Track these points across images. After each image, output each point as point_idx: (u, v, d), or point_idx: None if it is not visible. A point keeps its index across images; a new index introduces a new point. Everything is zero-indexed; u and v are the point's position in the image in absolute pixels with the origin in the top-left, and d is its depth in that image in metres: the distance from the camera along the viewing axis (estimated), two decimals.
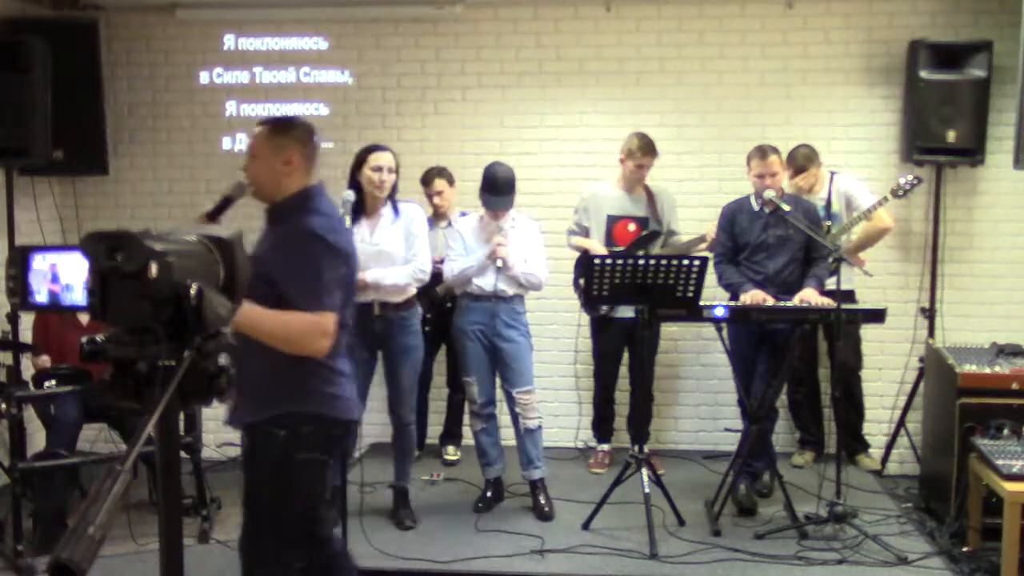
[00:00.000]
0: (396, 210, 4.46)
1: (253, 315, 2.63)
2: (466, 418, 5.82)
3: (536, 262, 4.74)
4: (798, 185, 5.25)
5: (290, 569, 2.92)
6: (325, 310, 2.77)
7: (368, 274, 4.30)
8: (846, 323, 4.84)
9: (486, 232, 4.73)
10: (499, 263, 4.61)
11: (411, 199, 4.72)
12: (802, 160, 5.26)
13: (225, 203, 3.00)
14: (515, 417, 4.76)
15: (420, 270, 4.50)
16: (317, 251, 2.78)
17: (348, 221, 4.20)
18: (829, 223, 5.15)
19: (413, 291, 4.55)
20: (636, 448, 4.65)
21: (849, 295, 5.17)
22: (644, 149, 5.20)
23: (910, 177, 4.97)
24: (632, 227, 5.31)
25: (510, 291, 4.70)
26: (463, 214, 5.53)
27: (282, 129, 2.92)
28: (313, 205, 2.90)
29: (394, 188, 4.44)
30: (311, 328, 2.75)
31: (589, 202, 5.38)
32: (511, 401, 4.76)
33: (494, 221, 4.72)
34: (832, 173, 5.38)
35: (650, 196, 5.34)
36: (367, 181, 4.36)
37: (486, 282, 4.67)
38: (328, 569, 3.08)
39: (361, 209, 4.40)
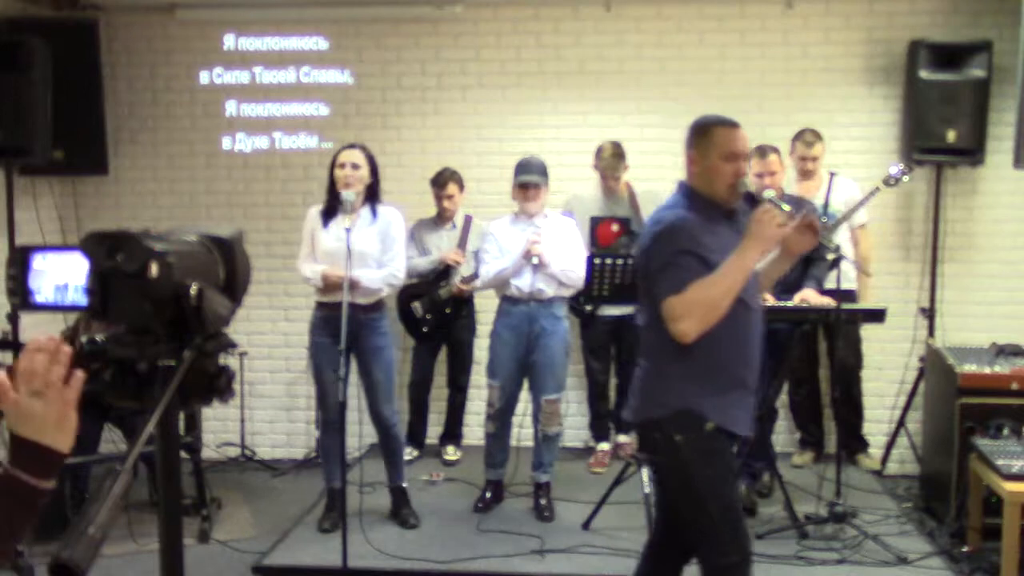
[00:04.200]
0: (374, 212, 4.45)
1: None
2: (466, 418, 5.83)
3: (574, 258, 4.61)
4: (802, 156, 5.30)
5: None
6: None
7: (355, 272, 4.26)
8: (846, 323, 4.87)
9: (519, 230, 4.66)
10: (535, 260, 4.53)
11: (392, 202, 4.67)
12: (811, 137, 5.30)
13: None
14: (536, 421, 4.73)
15: (394, 275, 4.51)
16: None
17: (348, 221, 4.21)
18: (825, 219, 5.16)
19: (384, 294, 4.54)
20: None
21: (849, 295, 5.17)
22: (610, 160, 5.26)
23: (901, 166, 4.98)
24: (615, 227, 5.33)
25: (549, 291, 4.58)
26: (467, 216, 5.54)
27: None
28: None
29: (375, 190, 4.44)
30: None
31: (572, 204, 5.41)
32: (537, 406, 4.72)
33: (526, 215, 4.67)
34: (832, 174, 5.37)
35: (632, 196, 5.34)
36: (337, 179, 4.37)
37: (523, 283, 4.58)
38: None
39: (334, 209, 4.41)
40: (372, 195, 4.44)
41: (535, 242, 4.51)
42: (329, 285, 4.33)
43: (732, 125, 2.90)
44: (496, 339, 4.73)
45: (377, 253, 4.43)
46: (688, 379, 2.79)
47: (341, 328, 4.02)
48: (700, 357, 2.75)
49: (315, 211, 4.53)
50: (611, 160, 5.26)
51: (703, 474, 2.80)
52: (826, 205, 5.27)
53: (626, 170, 5.35)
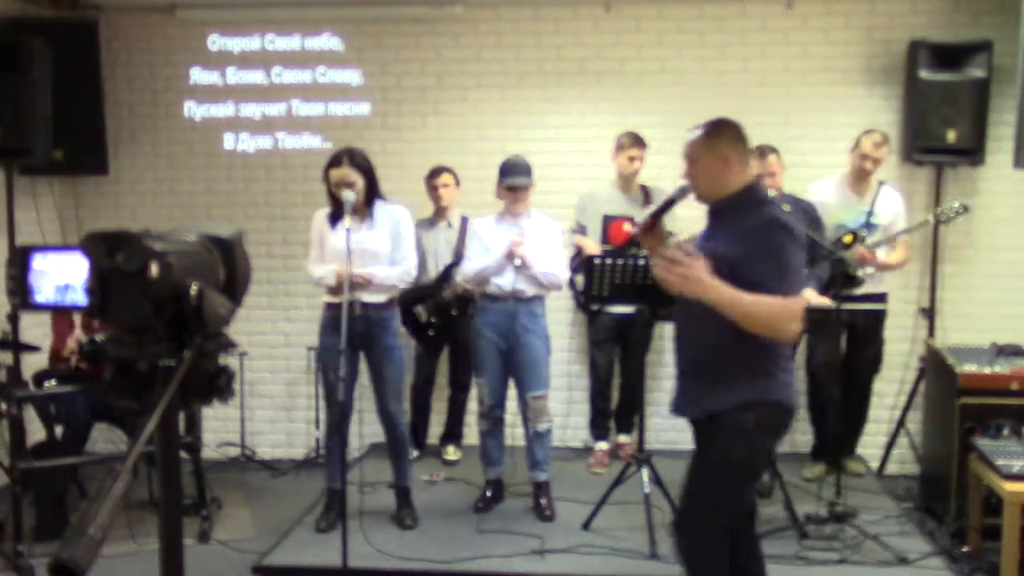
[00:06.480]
0: (375, 211, 4.44)
1: (733, 295, 2.77)
2: (467, 418, 5.83)
3: (556, 261, 4.66)
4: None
5: (724, 549, 3.05)
6: (793, 294, 2.88)
7: (367, 269, 4.31)
8: (845, 323, 4.90)
9: (504, 230, 4.67)
10: (517, 262, 4.55)
11: (396, 200, 4.66)
12: (878, 138, 5.12)
13: (668, 204, 3.08)
14: (526, 419, 4.73)
15: (408, 272, 4.51)
16: (782, 239, 2.89)
17: (348, 221, 4.21)
18: (864, 232, 5.02)
19: (396, 292, 4.55)
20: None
21: (881, 297, 5.16)
22: (633, 139, 5.30)
23: (956, 204, 4.91)
24: (628, 227, 5.32)
25: (529, 291, 4.61)
26: (463, 217, 5.53)
27: (715, 132, 3.02)
28: (761, 198, 3.03)
29: (375, 190, 4.43)
30: (785, 311, 2.82)
31: (586, 201, 5.43)
32: (524, 404, 4.73)
33: (512, 216, 4.68)
34: (881, 182, 5.21)
35: (647, 195, 5.35)
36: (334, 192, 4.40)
37: (505, 282, 4.61)
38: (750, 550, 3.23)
39: (341, 212, 4.40)
40: (371, 196, 4.43)
41: (518, 243, 4.54)
42: (342, 284, 4.32)
43: None
44: (478, 336, 4.74)
45: (388, 251, 4.44)
46: (771, 368, 3.02)
47: (353, 328, 4.08)
48: (778, 347, 3.00)
49: (322, 214, 4.53)
50: (632, 139, 5.31)
51: None
52: (870, 213, 5.13)
53: (642, 161, 5.36)
